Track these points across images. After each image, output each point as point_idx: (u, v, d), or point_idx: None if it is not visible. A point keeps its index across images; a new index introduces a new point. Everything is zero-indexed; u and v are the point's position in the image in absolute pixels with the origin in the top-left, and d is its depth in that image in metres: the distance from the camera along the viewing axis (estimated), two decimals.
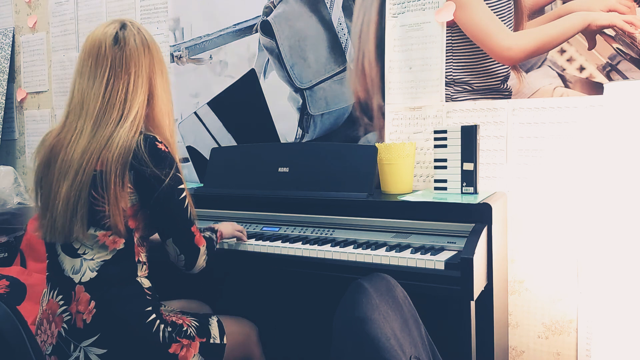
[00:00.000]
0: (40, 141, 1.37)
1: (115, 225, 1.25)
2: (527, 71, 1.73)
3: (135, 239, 1.31)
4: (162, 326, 1.29)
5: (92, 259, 1.27)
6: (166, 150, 1.30)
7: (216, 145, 2.30)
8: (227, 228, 1.60)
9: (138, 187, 1.27)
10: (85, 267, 1.27)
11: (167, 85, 1.41)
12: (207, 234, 1.49)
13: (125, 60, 1.32)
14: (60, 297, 1.28)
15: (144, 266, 1.34)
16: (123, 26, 1.35)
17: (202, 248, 1.38)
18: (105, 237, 1.27)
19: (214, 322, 1.42)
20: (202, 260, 1.39)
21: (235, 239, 1.63)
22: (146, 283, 1.33)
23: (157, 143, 1.29)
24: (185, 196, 1.33)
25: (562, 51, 1.68)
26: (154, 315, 1.29)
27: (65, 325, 1.26)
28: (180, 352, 1.29)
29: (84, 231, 1.25)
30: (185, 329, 1.33)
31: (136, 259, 1.31)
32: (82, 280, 1.27)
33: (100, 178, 1.24)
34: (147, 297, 1.31)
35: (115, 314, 1.26)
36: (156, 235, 1.39)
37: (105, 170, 1.23)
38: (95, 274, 1.27)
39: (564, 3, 1.67)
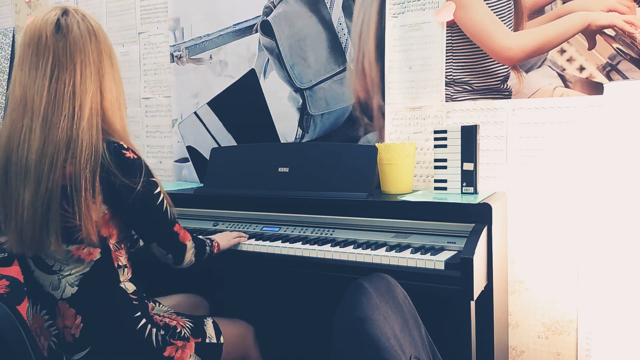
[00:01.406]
0: None
1: (89, 236, 1.18)
2: (527, 71, 1.73)
3: (110, 245, 1.25)
4: (154, 330, 1.26)
5: (69, 274, 1.21)
6: (134, 157, 1.21)
7: (216, 145, 2.30)
8: (223, 239, 1.56)
9: (108, 199, 1.20)
10: (64, 284, 1.21)
11: (118, 76, 1.29)
12: (201, 236, 1.48)
13: (69, 48, 1.19)
14: (45, 311, 1.24)
15: (126, 269, 1.29)
16: (65, 12, 1.22)
17: (188, 243, 1.37)
18: (79, 250, 1.20)
19: (209, 322, 1.40)
20: (190, 255, 1.37)
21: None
22: (130, 287, 1.29)
23: (123, 151, 1.20)
24: (162, 199, 1.28)
25: (562, 51, 1.68)
26: (144, 321, 1.26)
27: (54, 339, 1.22)
28: (175, 354, 1.27)
29: (59, 246, 1.18)
30: (179, 330, 1.31)
31: (116, 265, 1.26)
32: (63, 297, 1.21)
33: (71, 191, 1.15)
34: (134, 302, 1.27)
35: (104, 325, 1.22)
36: None
37: (74, 180, 1.15)
38: (76, 288, 1.21)
39: (564, 3, 1.67)
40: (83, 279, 1.22)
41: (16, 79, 1.22)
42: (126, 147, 1.21)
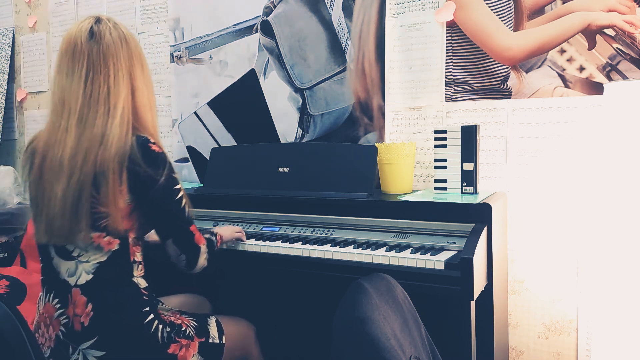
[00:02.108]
0: (29, 148, 1.33)
1: (114, 222, 1.24)
2: (527, 71, 1.73)
3: (130, 239, 1.29)
4: (160, 326, 1.28)
5: (87, 261, 1.26)
6: (159, 150, 1.28)
7: (216, 145, 2.30)
8: (226, 231, 1.59)
9: (132, 188, 1.25)
10: (80, 270, 1.26)
11: (149, 80, 1.38)
12: (207, 235, 1.48)
13: (102, 53, 1.28)
14: (57, 300, 1.27)
15: (140, 265, 1.33)
16: (98, 20, 1.33)
17: (202, 247, 1.38)
18: (100, 238, 1.25)
19: (212, 322, 1.41)
20: (203, 259, 1.39)
21: (234, 240, 1.63)
22: (142, 283, 1.32)
23: (150, 144, 1.27)
24: (182, 196, 1.33)
25: (562, 51, 1.68)
26: (152, 316, 1.28)
27: (62, 328, 1.25)
28: (179, 352, 1.29)
29: (88, 233, 1.23)
30: (184, 329, 1.33)
31: (132, 259, 1.30)
32: (78, 283, 1.25)
33: (100, 178, 1.22)
34: (144, 297, 1.30)
35: (113, 316, 1.24)
36: (155, 237, 1.39)
37: (103, 170, 1.22)
38: (91, 276, 1.25)
39: (564, 3, 1.67)
40: (99, 268, 1.26)
41: (55, 83, 1.31)
42: (153, 141, 1.29)
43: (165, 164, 1.29)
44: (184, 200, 1.33)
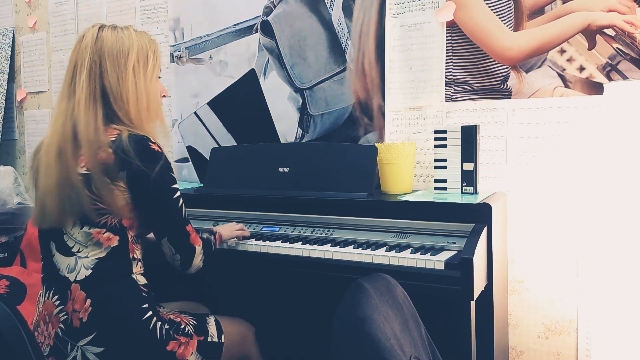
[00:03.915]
0: (38, 145, 1.38)
1: (116, 208, 1.26)
2: (527, 71, 1.73)
3: (129, 237, 1.31)
4: (159, 323, 1.29)
5: (86, 257, 1.27)
6: (159, 150, 1.31)
7: (216, 145, 2.30)
8: (226, 230, 1.60)
9: (130, 185, 1.27)
10: (80, 265, 1.27)
11: (155, 85, 1.41)
12: (205, 235, 1.49)
13: (105, 59, 1.33)
14: (56, 297, 1.28)
15: (139, 263, 1.35)
16: (101, 28, 1.36)
17: (197, 247, 1.39)
18: (99, 234, 1.27)
19: (211, 321, 1.42)
20: (198, 260, 1.40)
21: (236, 238, 1.63)
22: (141, 280, 1.33)
23: (150, 144, 1.30)
24: (179, 196, 1.35)
25: (562, 51, 1.68)
26: (150, 313, 1.29)
27: (62, 326, 1.26)
28: (178, 350, 1.29)
29: (89, 228, 1.26)
30: (183, 326, 1.33)
31: (131, 256, 1.32)
32: (77, 279, 1.27)
33: (93, 176, 1.25)
34: (143, 294, 1.31)
35: (111, 311, 1.26)
36: (152, 236, 1.40)
37: (96, 168, 1.25)
38: (90, 271, 1.27)
39: (564, 3, 1.67)
40: (98, 263, 1.28)
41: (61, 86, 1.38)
42: (153, 140, 1.31)
43: (162, 161, 1.30)
44: (181, 201, 1.35)
